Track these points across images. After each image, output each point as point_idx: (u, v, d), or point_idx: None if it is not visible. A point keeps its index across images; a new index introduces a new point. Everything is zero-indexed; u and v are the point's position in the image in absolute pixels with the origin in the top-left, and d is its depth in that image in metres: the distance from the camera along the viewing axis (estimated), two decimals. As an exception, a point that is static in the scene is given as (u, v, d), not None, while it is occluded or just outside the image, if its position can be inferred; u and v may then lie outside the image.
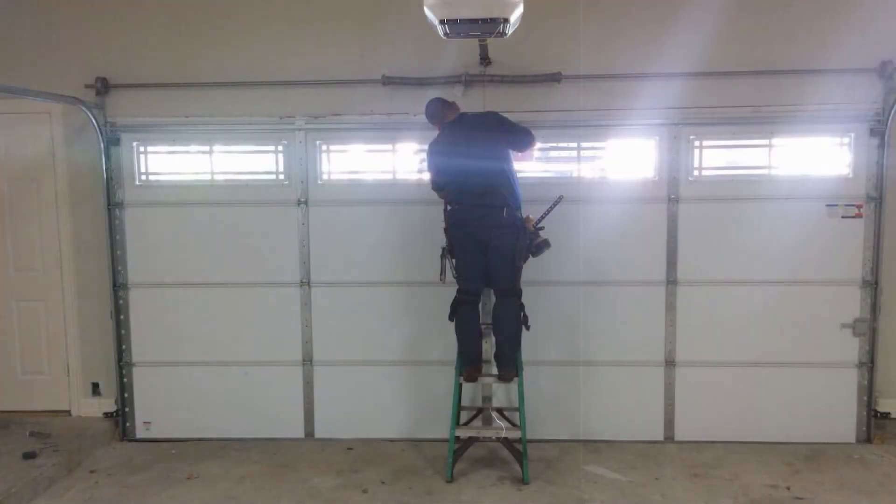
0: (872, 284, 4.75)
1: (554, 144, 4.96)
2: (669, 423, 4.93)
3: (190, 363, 5.06)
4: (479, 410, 4.86)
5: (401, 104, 4.81)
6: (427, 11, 3.51)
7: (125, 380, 5.09)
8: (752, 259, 4.80)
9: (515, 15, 3.56)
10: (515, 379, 4.33)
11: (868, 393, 4.82)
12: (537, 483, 4.27)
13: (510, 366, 4.32)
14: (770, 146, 4.78)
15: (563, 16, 4.73)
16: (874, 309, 4.77)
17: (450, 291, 4.39)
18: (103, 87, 4.88)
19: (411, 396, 5.02)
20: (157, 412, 5.10)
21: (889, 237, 4.74)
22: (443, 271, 4.36)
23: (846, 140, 4.75)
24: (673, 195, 4.80)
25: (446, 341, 4.68)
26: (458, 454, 4.41)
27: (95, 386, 5.18)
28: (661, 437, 4.93)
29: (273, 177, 5.01)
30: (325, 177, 4.98)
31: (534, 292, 4.55)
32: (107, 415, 5.10)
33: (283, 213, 4.95)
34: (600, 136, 4.86)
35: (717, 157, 4.85)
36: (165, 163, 5.05)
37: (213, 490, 4.26)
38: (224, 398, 5.07)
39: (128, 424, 5.11)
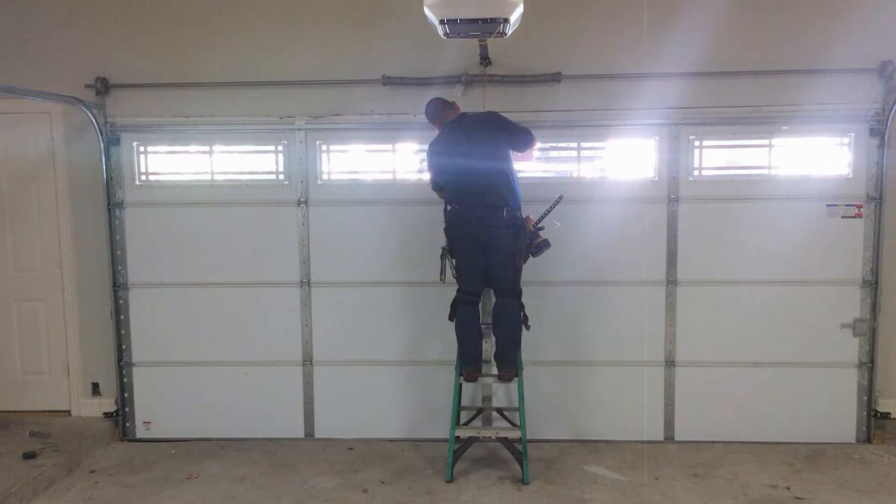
0: (872, 284, 4.76)
1: (554, 144, 4.96)
2: (669, 423, 4.93)
3: (190, 363, 5.06)
4: (479, 410, 4.86)
5: (401, 104, 4.81)
6: (427, 11, 3.51)
7: (125, 380, 5.09)
8: (752, 259, 4.80)
9: (515, 15, 3.56)
10: (515, 379, 4.33)
11: (868, 393, 4.82)
12: (537, 483, 4.27)
13: (510, 366, 4.32)
14: (770, 146, 4.78)
15: (563, 16, 4.73)
16: (874, 309, 4.77)
17: (450, 291, 4.39)
18: (103, 87, 4.88)
19: (411, 396, 5.02)
20: (157, 412, 5.10)
21: (889, 237, 4.74)
22: (443, 271, 4.36)
23: (846, 140, 4.75)
24: (673, 195, 4.80)
25: (446, 341, 4.68)
26: (458, 454, 4.41)
27: (95, 386, 5.18)
28: (661, 437, 4.93)
29: (273, 177, 5.01)
30: (325, 177, 4.98)
31: (534, 292, 4.55)
32: (107, 415, 5.10)
33: (283, 213, 4.95)
34: (600, 136, 4.86)
35: (717, 157, 4.85)
36: (165, 163, 5.05)
37: (213, 490, 4.26)
38: (224, 398, 5.07)
39: (128, 424, 5.11)
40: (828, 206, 4.74)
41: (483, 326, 4.50)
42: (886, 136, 4.64)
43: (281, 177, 4.99)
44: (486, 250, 4.22)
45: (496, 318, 4.39)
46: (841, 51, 4.60)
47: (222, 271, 4.99)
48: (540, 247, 4.25)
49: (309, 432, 5.07)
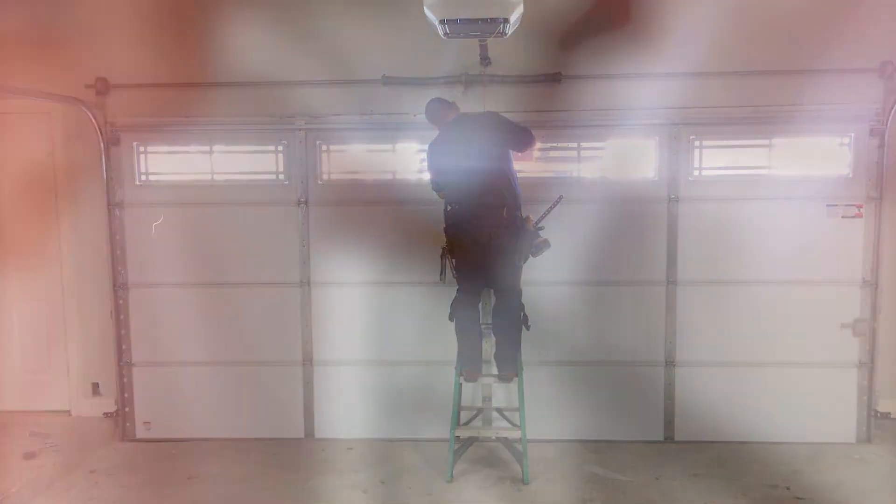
0: (872, 284, 4.75)
1: (554, 144, 4.95)
2: (669, 423, 4.93)
3: (190, 363, 5.06)
4: (479, 410, 4.86)
5: (401, 104, 4.81)
6: (427, 11, 3.52)
7: (125, 380, 5.09)
8: (752, 259, 4.80)
9: (515, 15, 3.56)
10: (515, 379, 4.33)
11: (868, 393, 4.81)
12: (537, 483, 4.27)
13: (510, 366, 4.32)
14: (770, 146, 4.78)
15: (563, 15, 4.73)
16: (874, 309, 4.77)
17: (450, 291, 4.39)
18: (103, 87, 4.89)
19: (411, 396, 5.01)
20: (157, 412, 5.10)
21: (889, 237, 4.75)
22: (443, 271, 4.36)
23: (846, 140, 4.75)
24: (673, 195, 4.80)
25: (446, 341, 4.67)
26: (458, 454, 4.41)
27: (95, 386, 5.18)
28: (661, 437, 4.93)
29: (273, 177, 5.01)
30: (325, 177, 4.98)
31: (534, 292, 4.55)
32: (107, 415, 5.10)
33: (283, 213, 4.96)
34: (600, 136, 4.86)
35: (717, 157, 4.85)
36: (165, 163, 5.05)
37: (213, 490, 4.26)
38: (224, 398, 5.06)
39: (128, 424, 5.11)
40: (828, 206, 4.75)
41: (483, 326, 4.50)
42: (886, 136, 4.64)
43: (281, 177, 4.99)
44: (485, 250, 4.21)
45: (496, 318, 4.39)
46: (841, 51, 4.61)
47: (222, 271, 4.99)
48: (540, 247, 4.25)
49: (309, 432, 5.07)
